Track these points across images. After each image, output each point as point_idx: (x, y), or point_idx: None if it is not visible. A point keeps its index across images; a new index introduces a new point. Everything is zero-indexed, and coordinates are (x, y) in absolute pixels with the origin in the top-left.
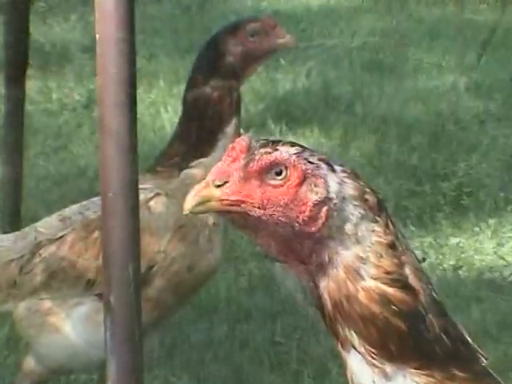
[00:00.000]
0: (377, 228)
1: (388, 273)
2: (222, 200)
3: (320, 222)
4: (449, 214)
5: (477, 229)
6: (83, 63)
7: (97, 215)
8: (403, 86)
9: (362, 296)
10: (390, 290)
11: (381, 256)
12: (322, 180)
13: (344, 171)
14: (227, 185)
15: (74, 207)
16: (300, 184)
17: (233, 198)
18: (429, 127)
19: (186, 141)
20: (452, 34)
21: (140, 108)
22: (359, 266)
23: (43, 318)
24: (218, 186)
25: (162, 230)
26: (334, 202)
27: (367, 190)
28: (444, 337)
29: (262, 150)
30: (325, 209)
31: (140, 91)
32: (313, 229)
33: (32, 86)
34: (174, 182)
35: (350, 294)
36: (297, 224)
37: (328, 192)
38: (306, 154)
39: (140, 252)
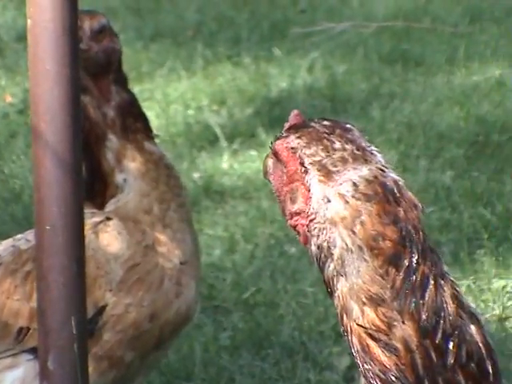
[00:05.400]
0: (363, 270)
1: (373, 325)
2: None
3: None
4: (492, 250)
5: None
6: (17, 55)
7: (30, 245)
8: (434, 83)
9: (355, 333)
10: (372, 344)
11: (363, 304)
12: (303, 187)
13: (363, 182)
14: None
15: (6, 242)
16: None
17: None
18: (467, 137)
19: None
20: (498, 17)
21: None
22: (350, 301)
23: None
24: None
25: (112, 262)
26: (313, 218)
27: (363, 219)
28: None
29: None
30: (301, 222)
31: None
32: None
33: None
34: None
35: (346, 325)
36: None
37: (307, 204)
38: (306, 151)
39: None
